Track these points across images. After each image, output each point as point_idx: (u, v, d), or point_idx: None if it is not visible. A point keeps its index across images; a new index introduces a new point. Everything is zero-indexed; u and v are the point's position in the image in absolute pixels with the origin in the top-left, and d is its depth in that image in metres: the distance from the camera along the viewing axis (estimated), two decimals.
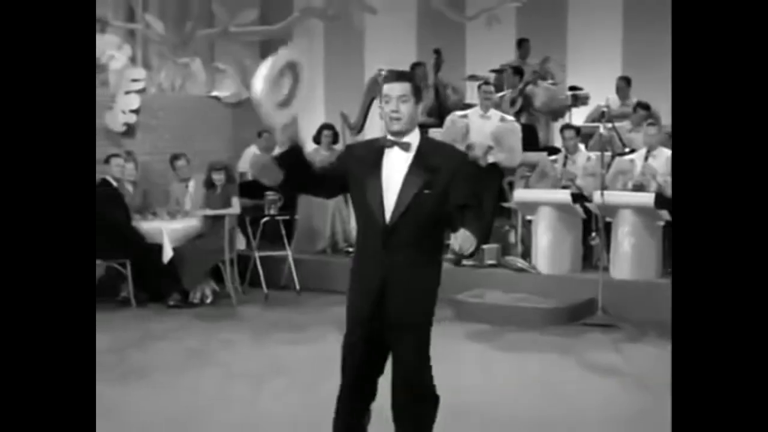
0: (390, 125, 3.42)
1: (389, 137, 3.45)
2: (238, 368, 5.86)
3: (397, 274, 3.39)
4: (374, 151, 3.48)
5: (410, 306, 3.42)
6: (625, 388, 5.43)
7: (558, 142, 9.18)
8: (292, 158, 3.44)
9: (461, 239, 3.23)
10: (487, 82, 9.11)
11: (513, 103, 9.98)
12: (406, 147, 3.41)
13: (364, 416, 3.66)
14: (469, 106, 9.40)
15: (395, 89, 3.40)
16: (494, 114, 8.78)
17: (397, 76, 3.49)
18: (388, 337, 3.48)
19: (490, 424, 4.68)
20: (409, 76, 3.66)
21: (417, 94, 3.43)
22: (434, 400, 3.57)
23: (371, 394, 3.62)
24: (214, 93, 10.20)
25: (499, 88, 10.32)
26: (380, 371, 3.58)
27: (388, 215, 3.38)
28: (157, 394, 5.26)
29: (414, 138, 3.43)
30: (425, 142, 3.48)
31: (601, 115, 8.27)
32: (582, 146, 8.63)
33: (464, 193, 3.38)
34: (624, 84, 9.99)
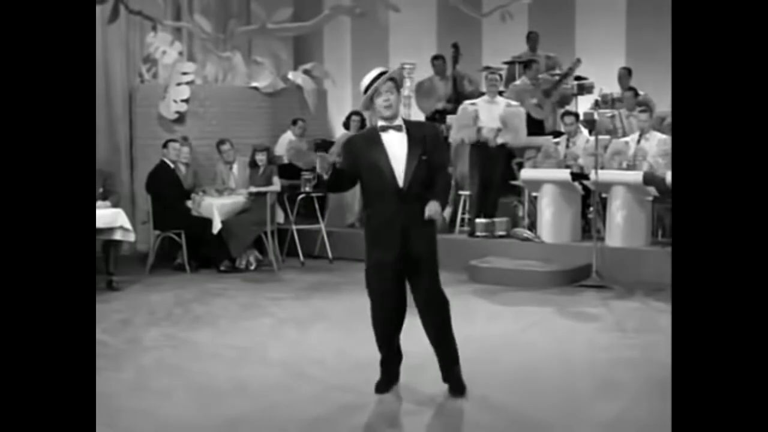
0: (383, 112, 4.48)
1: (383, 123, 4.51)
2: (285, 316, 6.86)
3: (415, 222, 4.44)
4: (372, 137, 4.56)
5: (427, 245, 4.51)
6: (605, 328, 6.38)
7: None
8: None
9: (432, 210, 4.36)
10: (492, 72, 9.59)
11: (548, 94, 10.42)
12: (398, 128, 4.50)
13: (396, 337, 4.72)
14: (483, 94, 9.65)
15: (384, 86, 4.47)
16: (500, 100, 9.24)
17: (385, 77, 4.50)
18: (407, 271, 4.52)
19: (491, 350, 5.66)
20: (392, 76, 4.57)
21: (398, 88, 4.53)
22: (447, 303, 4.62)
23: (400, 318, 4.67)
24: (253, 84, 10.73)
25: (510, 78, 11.14)
26: (404, 300, 4.62)
27: (400, 181, 4.44)
28: (222, 335, 6.28)
29: (400, 121, 4.54)
30: (408, 123, 4.56)
31: (595, 104, 9.12)
32: (585, 130, 9.38)
33: (439, 160, 4.51)
34: (625, 73, 10.41)
